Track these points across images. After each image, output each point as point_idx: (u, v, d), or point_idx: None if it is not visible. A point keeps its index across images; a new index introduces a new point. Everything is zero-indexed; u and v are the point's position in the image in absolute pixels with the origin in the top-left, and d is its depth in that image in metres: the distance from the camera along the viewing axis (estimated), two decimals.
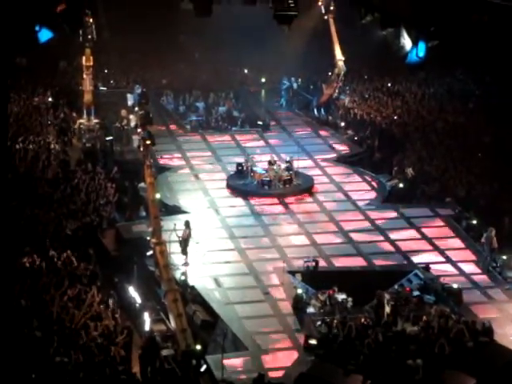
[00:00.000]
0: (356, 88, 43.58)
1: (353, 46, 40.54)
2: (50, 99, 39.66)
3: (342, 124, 40.38)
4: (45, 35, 20.00)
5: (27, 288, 22.22)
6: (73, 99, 39.74)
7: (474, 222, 29.22)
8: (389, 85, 43.66)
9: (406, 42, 21.65)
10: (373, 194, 33.03)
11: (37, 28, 19.76)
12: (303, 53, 42.33)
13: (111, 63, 44.99)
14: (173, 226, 26.43)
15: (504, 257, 26.79)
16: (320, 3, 40.04)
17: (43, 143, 33.59)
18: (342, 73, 40.31)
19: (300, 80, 44.77)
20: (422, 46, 21.01)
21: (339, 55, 39.86)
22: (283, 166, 33.15)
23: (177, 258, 26.49)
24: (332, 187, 33.68)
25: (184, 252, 26.53)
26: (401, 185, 32.97)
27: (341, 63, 39.89)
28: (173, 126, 40.63)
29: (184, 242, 26.51)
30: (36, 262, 23.96)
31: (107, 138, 36.54)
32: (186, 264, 26.33)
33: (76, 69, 40.45)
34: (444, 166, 33.36)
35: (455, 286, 24.93)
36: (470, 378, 19.10)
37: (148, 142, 26.22)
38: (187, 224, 26.81)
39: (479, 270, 26.75)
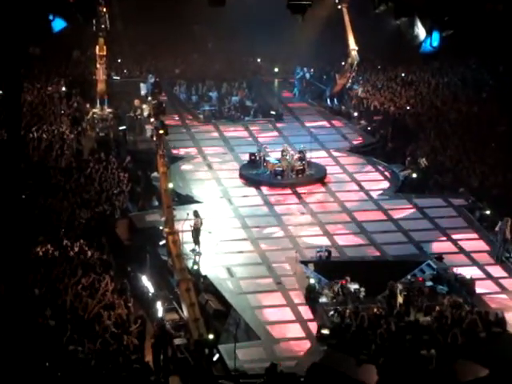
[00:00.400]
0: (369, 78, 43.50)
1: (366, 36, 40.41)
2: (63, 89, 39.76)
3: (355, 114, 40.33)
4: (58, 25, 20.02)
5: (41, 277, 22.33)
6: (86, 89, 39.82)
7: (488, 212, 29.13)
8: (402, 75, 43.54)
9: (420, 31, 21.54)
10: (386, 184, 32.98)
11: (50, 17, 19.79)
12: (316, 42, 42.25)
13: (124, 53, 45.06)
14: (185, 216, 26.49)
15: None
16: None
17: (57, 133, 33.71)
18: (356, 63, 40.23)
19: (313, 70, 44.66)
20: (436, 36, 20.91)
21: (353, 45, 39.76)
22: (296, 155, 33.11)
23: (189, 247, 26.54)
24: (345, 177, 33.65)
25: (196, 241, 26.58)
26: (414, 175, 32.90)
27: (354, 53, 39.81)
28: (186, 116, 40.62)
29: (195, 232, 26.56)
30: (50, 251, 24.08)
31: (120, 128, 36.61)
32: (198, 253, 26.38)
33: (89, 58, 40.51)
34: (457, 157, 33.29)
35: (468, 276, 24.89)
36: (483, 369, 19.10)
37: (161, 132, 26.26)
38: (196, 214, 26.84)
39: (492, 261, 26.68)
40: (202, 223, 26.76)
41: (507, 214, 27.31)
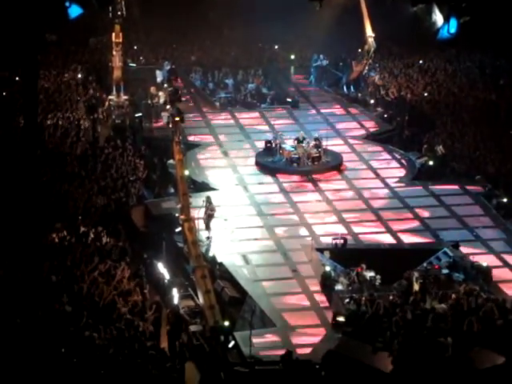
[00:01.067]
0: (386, 65, 43.30)
1: (383, 23, 40.22)
2: (79, 75, 39.81)
3: (372, 101, 40.18)
4: (75, 11, 20.07)
5: (57, 264, 22.41)
6: (102, 76, 39.85)
7: (505, 199, 28.98)
8: (419, 62, 43.32)
9: (438, 18, 21.43)
10: (402, 172, 32.86)
11: (67, 4, 19.82)
12: (333, 30, 42.07)
13: (140, 40, 45.08)
14: (201, 203, 26.52)
15: None
16: None
17: (73, 119, 33.77)
18: (372, 49, 40.10)
19: (329, 57, 44.41)
20: (453, 23, 20.81)
21: (369, 32, 39.62)
22: (312, 143, 33.05)
23: (205, 234, 26.61)
24: (361, 165, 33.56)
25: (208, 227, 26.64)
26: (431, 162, 32.74)
27: (371, 40, 39.68)
28: (202, 103, 40.59)
29: (207, 218, 26.62)
30: (66, 237, 24.16)
31: (136, 115, 36.62)
32: (209, 239, 26.42)
33: (106, 45, 40.52)
34: (474, 144, 33.13)
35: (484, 264, 24.79)
36: (499, 356, 19.05)
37: (177, 119, 26.25)
38: (209, 200, 26.89)
39: (509, 248, 26.56)
40: (214, 209, 26.81)
41: None
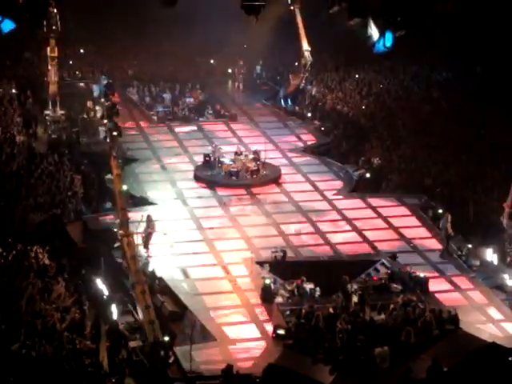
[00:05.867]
0: (323, 78, 43.68)
1: (319, 36, 40.66)
2: (14, 90, 39.29)
3: (309, 114, 40.49)
4: (7, 26, 19.83)
5: None
6: (38, 90, 39.40)
7: (440, 211, 29.38)
8: (356, 76, 43.78)
9: (374, 31, 21.65)
10: (340, 184, 33.12)
11: None
12: (270, 42, 42.46)
13: (76, 54, 44.73)
14: (140, 218, 26.35)
15: (469, 245, 27.03)
16: None
17: (8, 135, 33.29)
18: (309, 63, 40.52)
19: (266, 70, 44.77)
20: (389, 36, 21.03)
21: (305, 46, 40.05)
22: (250, 156, 33.15)
23: (144, 250, 26.42)
24: (299, 177, 33.74)
25: (146, 246, 26.43)
26: (367, 175, 33.08)
27: (307, 54, 40.14)
28: (139, 118, 40.44)
29: (146, 237, 26.42)
30: (2, 254, 23.77)
31: (73, 130, 36.27)
32: (148, 257, 26.24)
33: (41, 60, 40.09)
34: (411, 156, 33.55)
35: (422, 274, 25.09)
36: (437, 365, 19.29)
37: (115, 134, 26.08)
38: (149, 218, 26.72)
39: (445, 259, 26.94)
40: (153, 228, 26.64)
41: (459, 211, 27.75)
